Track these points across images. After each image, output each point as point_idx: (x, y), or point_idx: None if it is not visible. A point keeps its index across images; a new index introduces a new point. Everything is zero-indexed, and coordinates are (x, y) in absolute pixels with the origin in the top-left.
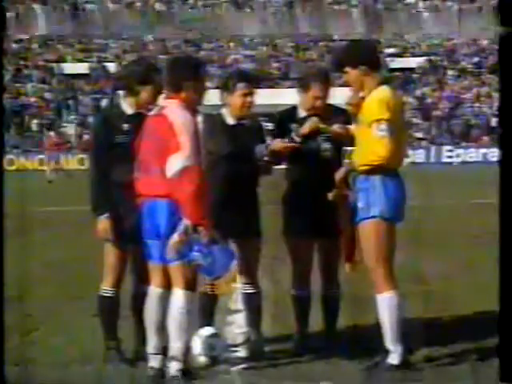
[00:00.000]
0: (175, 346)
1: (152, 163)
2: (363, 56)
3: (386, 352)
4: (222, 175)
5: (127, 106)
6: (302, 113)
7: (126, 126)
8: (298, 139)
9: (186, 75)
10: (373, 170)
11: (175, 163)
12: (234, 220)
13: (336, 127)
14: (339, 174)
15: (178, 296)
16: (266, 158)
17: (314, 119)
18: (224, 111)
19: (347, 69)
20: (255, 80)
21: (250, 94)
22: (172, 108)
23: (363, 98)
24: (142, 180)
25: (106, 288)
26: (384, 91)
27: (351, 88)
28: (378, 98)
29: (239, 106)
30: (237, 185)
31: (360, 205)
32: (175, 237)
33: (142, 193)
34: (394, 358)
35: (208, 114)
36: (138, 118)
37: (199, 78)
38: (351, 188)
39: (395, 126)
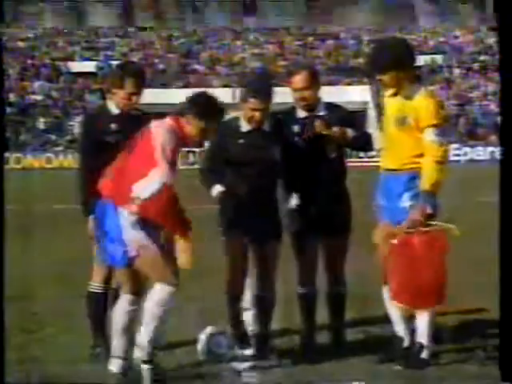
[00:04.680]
0: (143, 334)
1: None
2: (405, 58)
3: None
4: (238, 180)
5: (113, 106)
6: (301, 113)
7: (112, 126)
8: (302, 143)
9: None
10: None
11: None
12: (252, 223)
13: (335, 130)
14: (418, 216)
15: (156, 290)
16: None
17: (317, 123)
18: (239, 117)
19: (390, 72)
20: (269, 95)
21: (260, 109)
22: None
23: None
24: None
25: (96, 284)
26: (432, 93)
27: (387, 90)
28: (433, 102)
29: (248, 118)
30: (254, 189)
31: (410, 203)
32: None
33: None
34: (426, 353)
35: (223, 121)
36: (125, 118)
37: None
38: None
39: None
